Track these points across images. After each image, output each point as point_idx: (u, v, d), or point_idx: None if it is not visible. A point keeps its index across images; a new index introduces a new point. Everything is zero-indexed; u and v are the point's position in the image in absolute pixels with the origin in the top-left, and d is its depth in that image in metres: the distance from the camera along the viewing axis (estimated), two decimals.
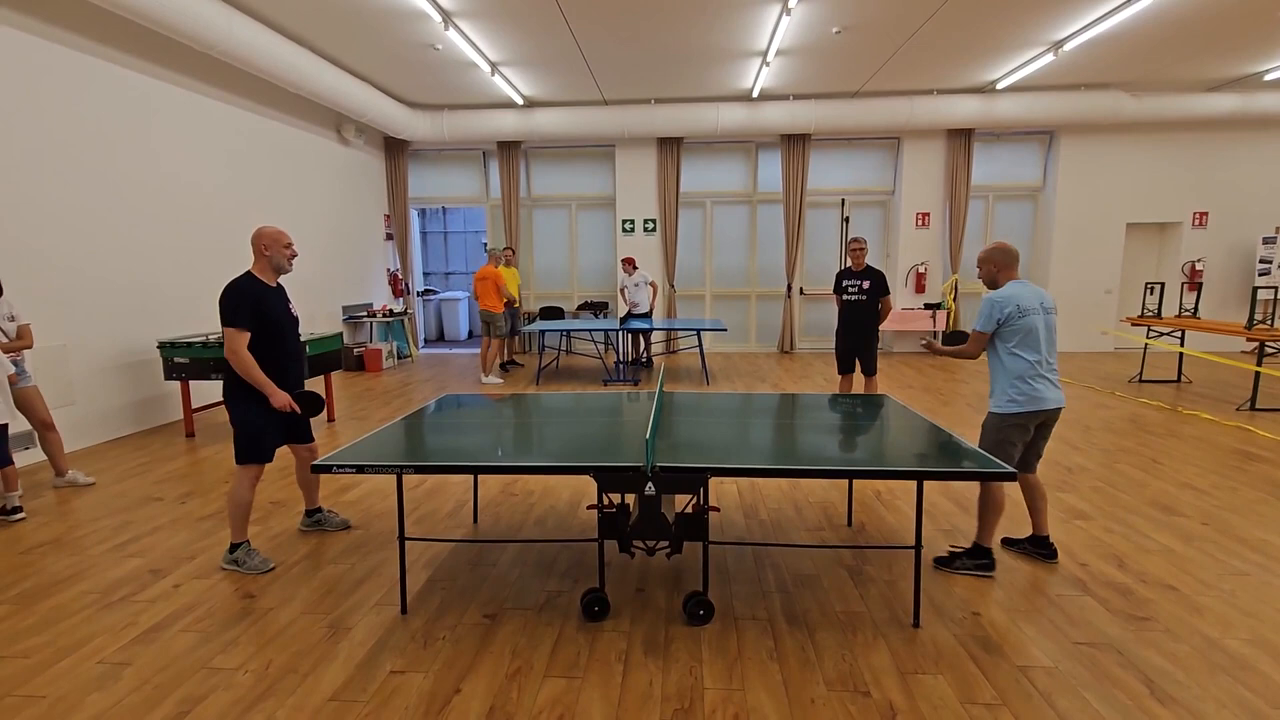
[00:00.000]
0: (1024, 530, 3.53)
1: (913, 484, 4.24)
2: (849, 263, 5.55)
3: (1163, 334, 7.88)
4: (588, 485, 4.37)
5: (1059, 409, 3.02)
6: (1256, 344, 6.69)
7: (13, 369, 3.97)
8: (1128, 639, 2.54)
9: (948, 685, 2.27)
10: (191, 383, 5.80)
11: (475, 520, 3.81)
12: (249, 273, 3.19)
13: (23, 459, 4.86)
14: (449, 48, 7.27)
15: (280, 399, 3.14)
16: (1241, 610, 2.75)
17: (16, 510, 3.87)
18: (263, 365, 3.14)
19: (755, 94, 9.22)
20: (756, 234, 10.79)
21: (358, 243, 9.77)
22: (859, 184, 10.60)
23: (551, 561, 3.26)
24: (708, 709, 2.16)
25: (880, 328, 5.58)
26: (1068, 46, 7.29)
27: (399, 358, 10.04)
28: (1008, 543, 3.37)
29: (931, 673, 2.34)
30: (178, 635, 2.64)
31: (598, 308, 10.81)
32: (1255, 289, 6.68)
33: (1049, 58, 7.63)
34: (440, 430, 3.17)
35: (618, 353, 9.13)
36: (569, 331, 9.10)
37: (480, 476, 4.32)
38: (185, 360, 5.61)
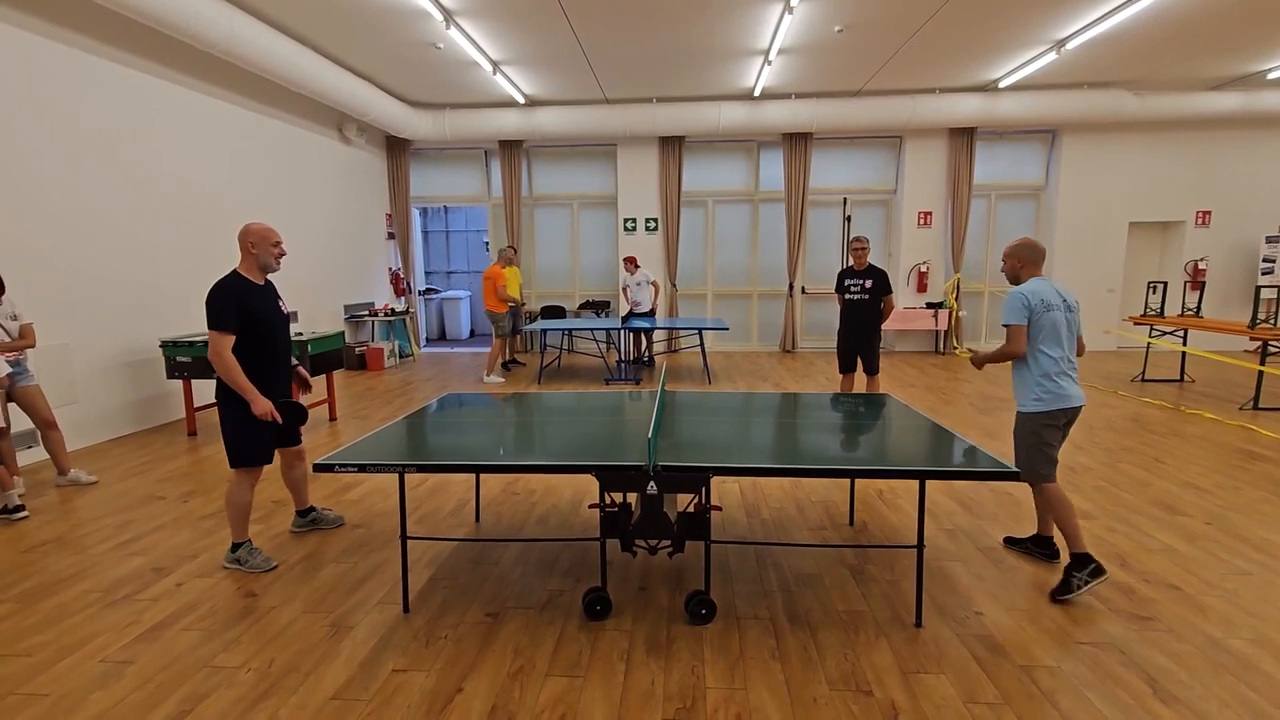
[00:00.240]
0: (1027, 529, 3.53)
1: (915, 483, 4.24)
2: (851, 262, 5.54)
3: (1165, 333, 7.87)
4: (589, 484, 4.36)
5: (1081, 406, 2.99)
6: (1259, 343, 6.68)
7: (7, 369, 3.97)
8: (1131, 639, 2.54)
9: (950, 685, 2.27)
10: (193, 381, 5.81)
11: (477, 519, 3.81)
12: (235, 271, 3.12)
13: (25, 457, 4.87)
14: (450, 47, 7.27)
15: (262, 406, 3.02)
16: (1245, 610, 2.74)
17: (19, 509, 3.88)
18: (250, 365, 3.07)
19: (757, 93, 9.21)
20: (758, 233, 10.78)
21: (359, 242, 9.78)
22: (861, 183, 10.58)
23: (553, 560, 3.26)
24: (710, 708, 2.16)
25: (883, 327, 5.58)
26: (1070, 45, 7.27)
27: (400, 357, 10.05)
28: (1010, 542, 3.37)
29: (934, 672, 2.34)
30: (180, 634, 2.64)
31: (599, 307, 10.80)
32: (1258, 288, 6.67)
33: (1051, 56, 7.62)
34: (442, 429, 3.17)
35: (619, 352, 9.13)
36: (571, 330, 9.09)
37: (482, 475, 4.32)
38: (187, 359, 5.62)
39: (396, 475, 4.30)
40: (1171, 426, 5.72)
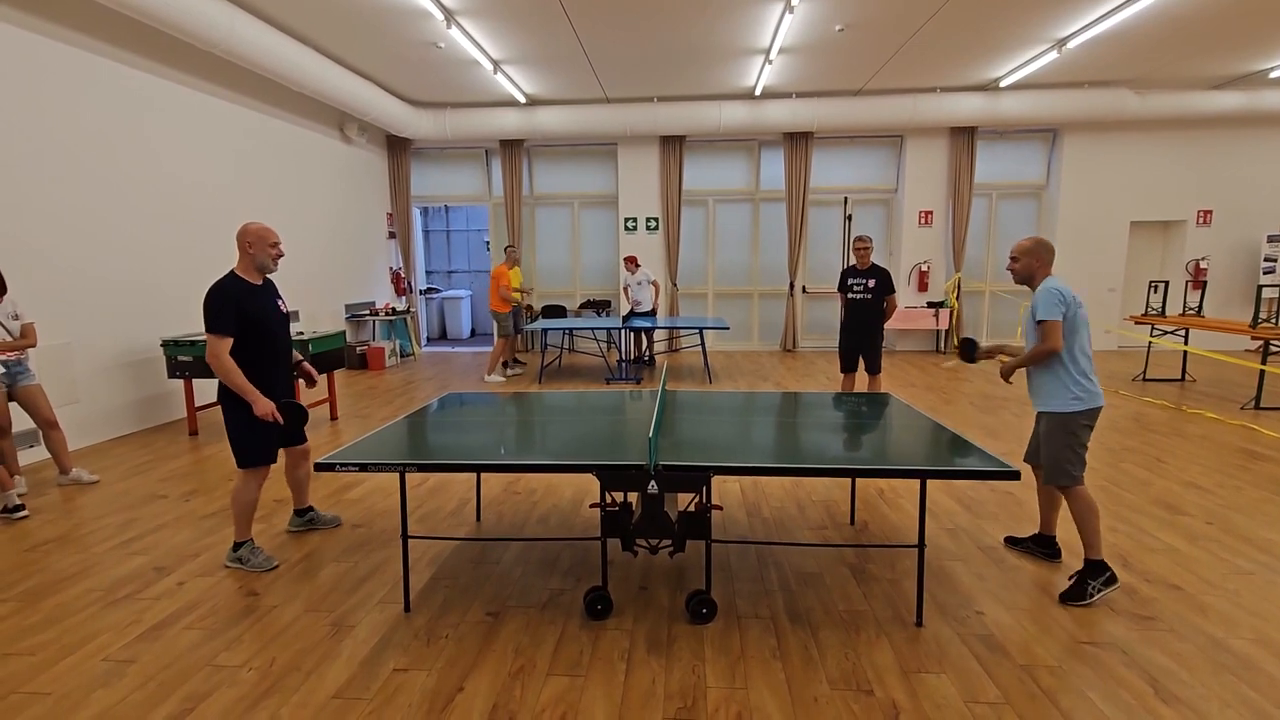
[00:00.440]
0: (1028, 529, 3.53)
1: (915, 483, 4.24)
2: (854, 261, 5.54)
3: (1167, 332, 7.86)
4: (590, 484, 4.37)
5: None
6: (1261, 342, 6.67)
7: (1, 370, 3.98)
8: (1132, 638, 2.54)
9: (951, 684, 2.27)
10: (194, 381, 5.82)
11: (478, 518, 3.82)
12: (232, 272, 3.11)
13: (27, 457, 4.88)
14: (451, 46, 7.27)
15: (263, 407, 3.01)
16: (1246, 610, 2.74)
17: (19, 509, 3.88)
18: (248, 366, 3.06)
19: (758, 92, 9.20)
20: (759, 232, 10.78)
21: (360, 241, 9.78)
22: (862, 182, 10.58)
23: (554, 560, 3.26)
24: (710, 707, 2.16)
25: (885, 326, 5.57)
26: (1071, 44, 7.26)
27: (401, 356, 10.05)
28: (1011, 541, 3.37)
29: (935, 672, 2.34)
30: (182, 633, 2.65)
31: (600, 306, 10.80)
32: (1260, 287, 6.66)
33: (1053, 55, 7.60)
34: (443, 429, 3.17)
35: (620, 351, 9.13)
36: (571, 330, 9.09)
37: (483, 475, 4.33)
38: (188, 358, 5.62)
39: (397, 474, 4.30)
40: (1173, 426, 5.71)
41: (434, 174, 11.08)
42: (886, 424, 3.18)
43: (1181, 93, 9.11)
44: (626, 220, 10.65)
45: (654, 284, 9.07)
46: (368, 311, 9.67)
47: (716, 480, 4.33)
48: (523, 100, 9.50)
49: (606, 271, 11.06)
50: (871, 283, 5.42)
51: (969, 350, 3.48)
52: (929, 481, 4.07)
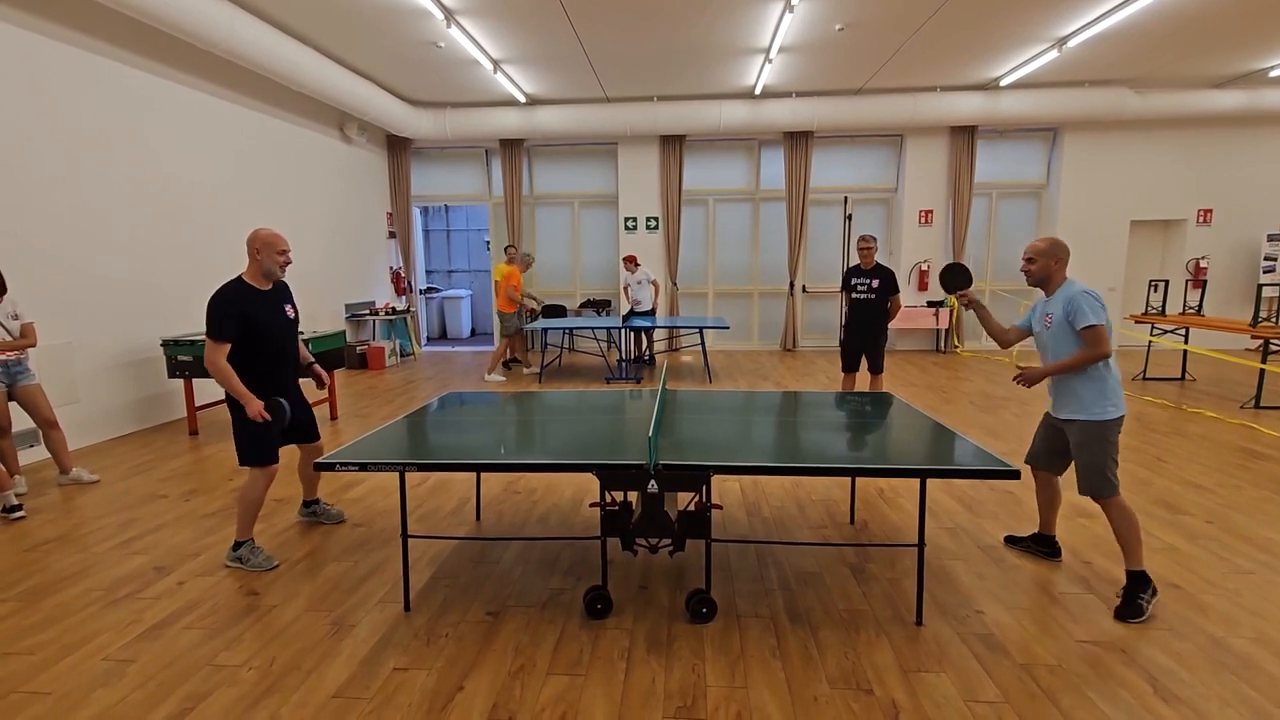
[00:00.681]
0: (1027, 528, 3.53)
1: (915, 482, 4.24)
2: (858, 261, 5.53)
3: (1167, 331, 7.86)
4: (590, 483, 4.37)
5: None
6: (1261, 341, 6.67)
7: None
8: (1131, 637, 2.54)
9: (951, 683, 2.27)
10: (194, 380, 5.82)
11: (478, 518, 3.82)
12: (240, 278, 3.15)
13: (27, 456, 4.88)
14: (451, 45, 7.27)
15: (254, 408, 3.05)
16: (1246, 609, 2.74)
17: (16, 509, 3.88)
18: (253, 370, 3.11)
19: (758, 91, 9.20)
20: (759, 232, 10.78)
21: (360, 241, 9.78)
22: (862, 181, 10.57)
23: (554, 559, 3.26)
24: (710, 707, 2.16)
25: (889, 326, 5.56)
26: (1072, 43, 7.25)
27: (401, 356, 10.05)
28: (1010, 540, 3.36)
29: (934, 671, 2.34)
30: (182, 632, 2.65)
31: (600, 305, 10.80)
32: (1260, 286, 6.66)
33: (1053, 54, 7.60)
34: (443, 428, 3.18)
35: (620, 351, 9.13)
36: (571, 329, 9.09)
37: (483, 474, 4.33)
38: (188, 358, 5.62)
39: (397, 474, 4.31)
40: (1173, 425, 5.71)
41: (434, 173, 11.08)
42: (886, 423, 3.18)
43: (1182, 92, 9.11)
44: (626, 220, 10.65)
45: (654, 283, 9.08)
46: (368, 311, 9.67)
47: (716, 480, 4.33)
48: (523, 100, 9.50)
49: (606, 271, 11.06)
50: (875, 283, 5.41)
51: (954, 279, 3.26)
52: (929, 481, 4.07)
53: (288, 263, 3.22)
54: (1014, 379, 2.90)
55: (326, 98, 7.60)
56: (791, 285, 10.53)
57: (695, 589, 2.76)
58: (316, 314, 8.57)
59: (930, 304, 10.26)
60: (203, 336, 5.81)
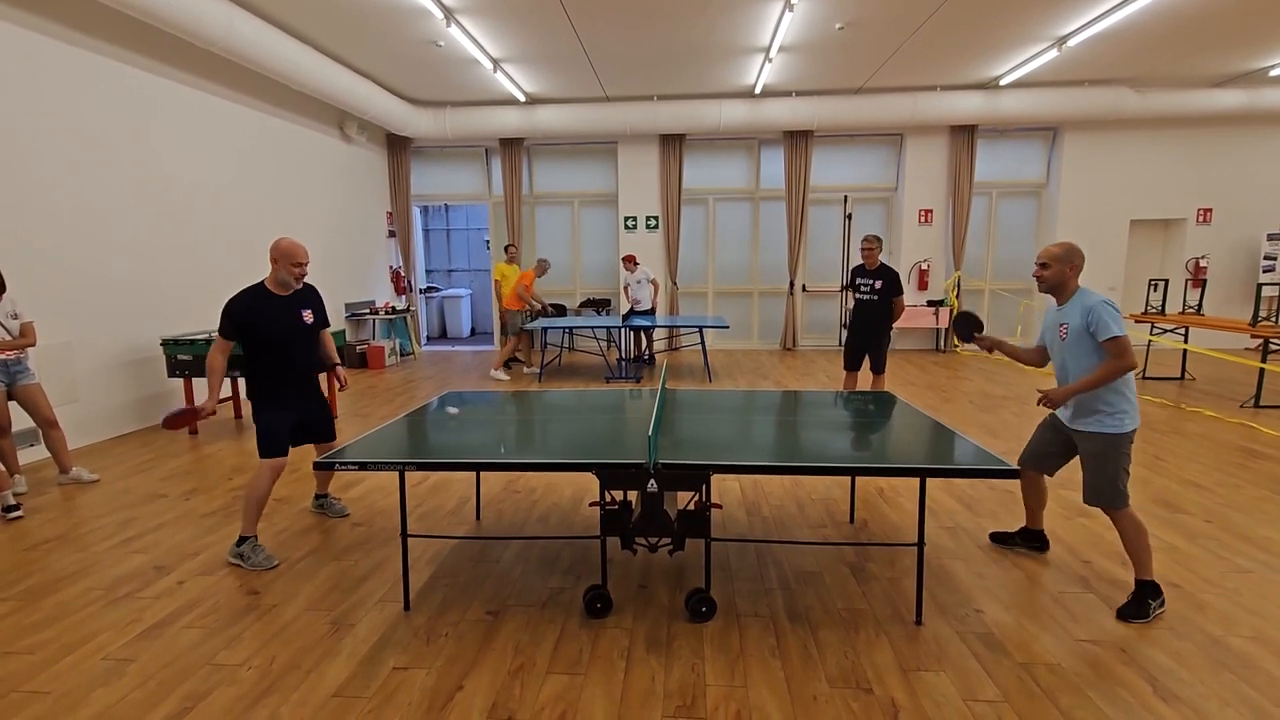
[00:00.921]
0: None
1: (915, 481, 4.24)
2: (863, 260, 5.53)
3: (1166, 331, 7.86)
4: (590, 482, 4.37)
5: None
6: (1260, 341, 6.67)
7: None
8: (1131, 636, 2.54)
9: (950, 682, 2.27)
10: (194, 380, 5.82)
11: (478, 517, 3.82)
12: (260, 283, 3.32)
13: (26, 456, 4.88)
14: (451, 45, 7.26)
15: (208, 405, 3.25)
16: (1245, 608, 2.74)
17: (14, 509, 3.88)
18: (265, 373, 3.30)
19: (758, 90, 9.19)
20: (759, 231, 10.77)
21: (360, 240, 9.78)
22: (862, 181, 10.57)
23: (554, 558, 3.26)
24: (710, 706, 2.17)
25: (893, 326, 5.55)
26: (1071, 42, 7.25)
27: (401, 355, 10.05)
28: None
29: (934, 670, 2.34)
30: (181, 631, 2.65)
31: (600, 305, 10.80)
32: (1260, 286, 6.66)
33: (1053, 53, 7.60)
34: (443, 427, 3.18)
35: (620, 350, 9.13)
36: (571, 329, 9.09)
37: (482, 474, 4.33)
38: (188, 357, 5.62)
39: (397, 473, 4.32)
40: (1172, 424, 5.71)
41: (434, 173, 11.07)
42: (886, 422, 3.18)
43: (1181, 91, 9.11)
44: (626, 219, 10.65)
45: (653, 282, 9.08)
46: (367, 310, 9.66)
47: (716, 479, 4.33)
48: (522, 99, 9.50)
49: (606, 270, 11.06)
50: (878, 283, 5.41)
51: (966, 327, 3.24)
52: (928, 480, 4.07)
53: (302, 275, 3.34)
54: (1038, 403, 2.81)
55: (326, 97, 7.59)
56: (791, 284, 10.53)
57: (695, 588, 2.76)
58: None
59: (930, 303, 10.26)
60: (202, 336, 5.85)
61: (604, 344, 10.35)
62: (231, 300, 3.23)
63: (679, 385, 7.59)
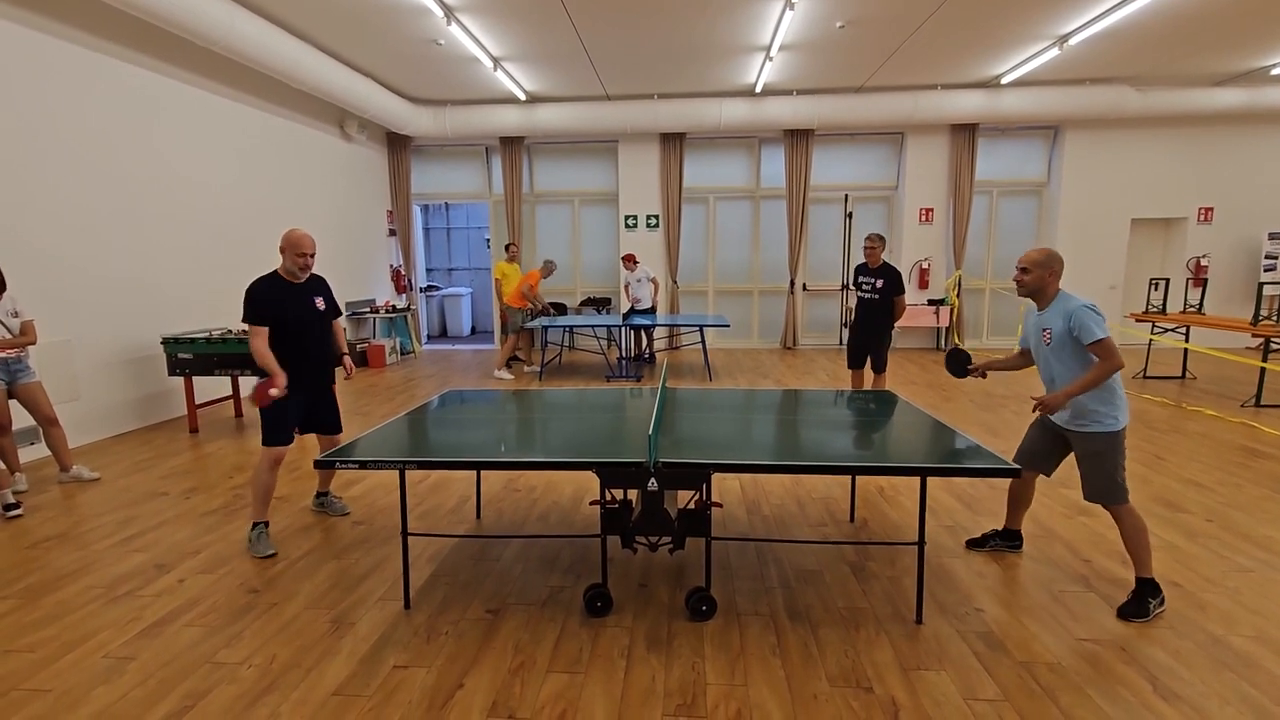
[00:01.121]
0: (1027, 525, 3.53)
1: (915, 480, 4.24)
2: (865, 259, 5.53)
3: (1167, 330, 7.85)
4: (590, 481, 4.37)
5: None
6: (1262, 340, 6.66)
7: None
8: (1131, 635, 2.54)
9: (950, 681, 2.27)
10: (195, 378, 5.82)
11: (478, 516, 3.82)
12: (274, 271, 3.42)
13: (27, 454, 4.88)
14: (451, 43, 7.25)
15: (280, 380, 3.29)
16: (1246, 607, 2.74)
17: (14, 507, 3.88)
18: (278, 357, 3.34)
19: (758, 89, 9.18)
20: (759, 230, 10.77)
21: (360, 239, 9.77)
22: (862, 179, 10.56)
23: (554, 557, 3.26)
24: (710, 704, 2.17)
25: (896, 325, 5.54)
26: (1073, 41, 7.24)
27: (402, 354, 10.05)
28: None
29: (934, 669, 2.34)
30: (182, 630, 2.65)
31: (600, 303, 10.80)
32: (1261, 285, 6.66)
33: (1054, 52, 7.59)
34: (443, 426, 3.18)
35: (620, 349, 9.13)
36: (572, 327, 9.10)
37: (483, 472, 4.33)
38: (189, 356, 5.63)
39: (397, 472, 4.31)
40: (1173, 423, 5.71)
41: (434, 171, 11.07)
42: (887, 421, 3.18)
43: (1183, 89, 9.09)
44: (627, 218, 10.64)
45: (653, 281, 9.07)
46: (368, 309, 9.66)
47: (716, 477, 4.33)
48: (523, 97, 9.49)
49: (607, 269, 11.05)
50: (880, 282, 5.40)
51: (959, 364, 3.30)
52: (929, 479, 4.06)
53: (307, 266, 3.42)
54: (1033, 409, 2.83)
55: (326, 95, 7.59)
56: (792, 283, 10.52)
57: (695, 587, 2.76)
58: None
59: (931, 302, 10.26)
60: (202, 335, 5.85)
61: (604, 343, 10.36)
62: (252, 286, 3.33)
63: (679, 384, 7.58)
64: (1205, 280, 8.16)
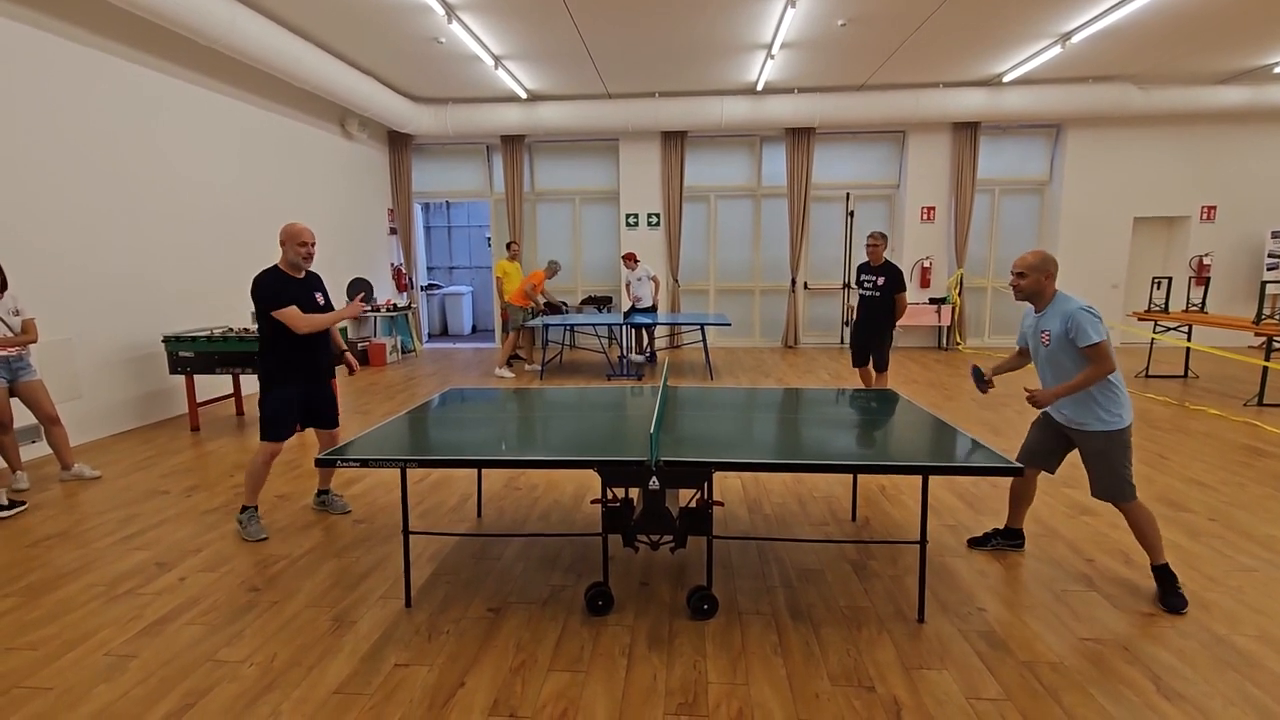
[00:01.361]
0: (1028, 524, 3.52)
1: (917, 479, 4.23)
2: (868, 257, 5.52)
3: (1170, 329, 7.83)
4: (591, 480, 4.36)
5: None
6: (1264, 339, 6.65)
7: None
8: (1134, 635, 2.53)
9: (952, 681, 2.27)
10: (196, 377, 5.82)
11: (479, 514, 3.82)
12: (275, 265, 3.44)
13: (28, 452, 4.88)
14: (452, 41, 7.24)
15: (353, 309, 3.60)
16: (1249, 606, 2.73)
17: (10, 506, 3.88)
18: (278, 355, 3.42)
19: (760, 87, 9.17)
20: (761, 228, 10.76)
21: (361, 237, 9.77)
22: (864, 178, 10.54)
23: (555, 556, 3.26)
24: (711, 703, 2.16)
25: (897, 324, 5.53)
26: (1076, 38, 7.22)
27: (403, 352, 10.05)
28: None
29: (936, 668, 2.34)
30: (183, 628, 2.65)
31: (601, 302, 10.79)
32: (1264, 283, 6.63)
33: (1056, 50, 7.57)
34: (444, 424, 3.17)
35: (621, 347, 9.12)
36: (573, 326, 9.09)
37: (484, 471, 4.32)
38: (190, 354, 5.63)
39: (398, 470, 4.30)
40: (1175, 422, 5.70)
41: (435, 170, 11.06)
42: (888, 420, 3.17)
43: (1185, 88, 9.07)
44: (628, 216, 10.63)
45: (654, 279, 9.07)
46: (369, 307, 9.66)
47: (718, 476, 4.33)
48: (524, 95, 9.48)
49: (608, 267, 11.05)
50: (881, 280, 5.40)
51: (980, 379, 3.27)
52: (931, 478, 4.06)
53: (309, 255, 3.45)
54: (1026, 400, 2.87)
55: (328, 93, 7.58)
56: (793, 282, 10.51)
57: (696, 586, 2.76)
58: None
59: (932, 301, 10.24)
60: (205, 332, 5.85)
61: (605, 341, 10.35)
62: (259, 279, 3.34)
63: (680, 382, 7.57)
64: (1208, 279, 8.15)
